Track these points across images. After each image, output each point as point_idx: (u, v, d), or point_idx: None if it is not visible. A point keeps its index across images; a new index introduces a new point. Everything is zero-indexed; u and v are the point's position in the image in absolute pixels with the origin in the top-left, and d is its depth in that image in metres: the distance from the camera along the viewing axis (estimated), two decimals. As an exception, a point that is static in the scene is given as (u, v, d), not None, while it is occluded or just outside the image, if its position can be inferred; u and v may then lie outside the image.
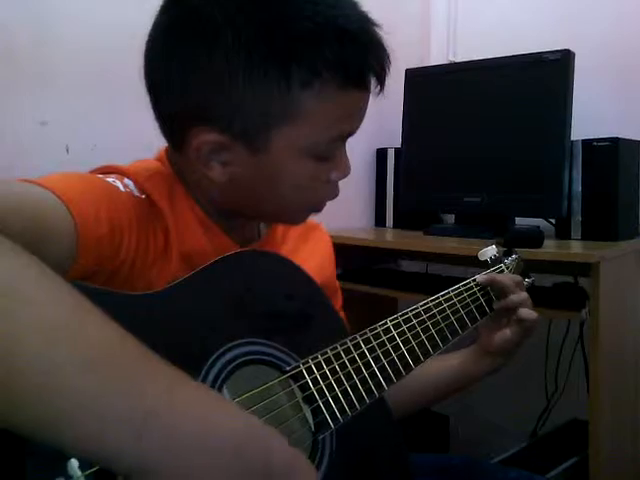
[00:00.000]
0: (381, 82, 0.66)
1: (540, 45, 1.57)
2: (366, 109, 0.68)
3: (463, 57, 1.90)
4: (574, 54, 1.52)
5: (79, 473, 0.42)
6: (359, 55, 0.63)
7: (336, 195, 0.72)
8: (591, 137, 1.50)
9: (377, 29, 0.65)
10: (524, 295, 0.87)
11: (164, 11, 0.65)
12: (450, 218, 1.91)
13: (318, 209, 0.74)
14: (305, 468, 0.47)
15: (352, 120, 0.67)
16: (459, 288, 0.84)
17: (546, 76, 1.54)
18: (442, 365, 0.91)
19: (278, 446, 0.46)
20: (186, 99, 0.64)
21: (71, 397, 0.39)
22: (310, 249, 0.85)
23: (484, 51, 1.71)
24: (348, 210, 1.91)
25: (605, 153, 1.46)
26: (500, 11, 1.92)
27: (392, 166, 1.92)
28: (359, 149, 1.93)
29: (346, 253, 1.51)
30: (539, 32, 1.77)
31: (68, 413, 0.39)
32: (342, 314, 0.86)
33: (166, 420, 0.41)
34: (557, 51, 1.51)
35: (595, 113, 1.62)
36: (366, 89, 0.66)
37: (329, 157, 0.68)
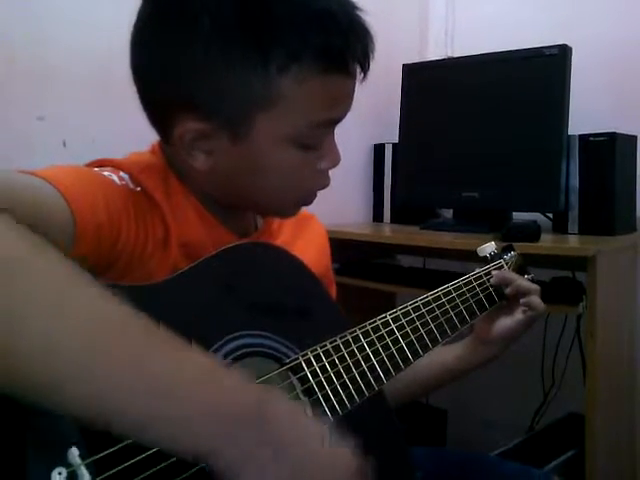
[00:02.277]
0: (364, 68, 0.65)
1: (537, 40, 1.56)
2: (352, 96, 0.67)
3: (461, 52, 1.89)
4: (571, 49, 1.52)
5: (79, 461, 0.42)
6: (341, 39, 0.61)
7: (326, 185, 0.71)
8: (588, 132, 1.50)
9: (360, 13, 0.63)
10: (536, 286, 0.88)
11: (146, 1, 0.64)
12: (448, 213, 1.91)
13: (308, 201, 0.72)
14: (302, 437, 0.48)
15: (336, 106, 0.65)
16: (458, 283, 0.84)
17: (543, 71, 1.54)
18: (436, 356, 0.90)
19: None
20: (168, 87, 0.63)
21: (79, 365, 0.41)
22: (306, 240, 0.85)
23: (482, 46, 1.70)
24: (345, 205, 1.91)
25: (602, 148, 1.47)
26: (497, 6, 1.92)
27: (389, 161, 1.92)
28: (356, 144, 1.93)
29: (344, 248, 1.51)
30: (536, 27, 1.77)
31: (77, 380, 0.41)
32: None
33: (180, 392, 0.43)
34: (554, 46, 1.51)
35: (592, 108, 1.62)
36: (349, 74, 0.64)
37: (315, 145, 0.66)
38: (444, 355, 0.92)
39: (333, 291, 0.90)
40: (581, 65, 1.54)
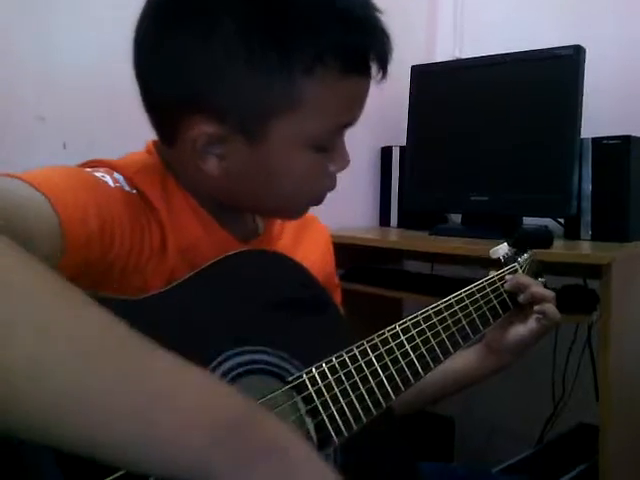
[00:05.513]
0: (384, 68, 0.64)
1: (549, 41, 1.53)
2: (366, 98, 0.66)
3: (470, 53, 1.86)
4: (585, 50, 1.48)
5: None
6: (362, 39, 0.61)
7: (333, 187, 0.70)
8: (600, 135, 1.46)
9: (379, 14, 0.62)
10: (552, 293, 0.85)
11: None
12: (456, 218, 1.87)
13: (318, 202, 0.71)
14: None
15: (353, 109, 0.65)
16: (471, 289, 0.80)
17: (556, 73, 1.50)
18: (446, 364, 0.87)
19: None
20: (181, 89, 0.61)
21: (69, 393, 0.38)
22: (309, 244, 0.83)
23: (491, 47, 1.66)
24: (352, 209, 1.88)
25: (616, 152, 1.43)
26: (508, 6, 1.88)
27: (397, 164, 1.89)
28: (364, 147, 1.89)
29: (350, 252, 1.48)
30: (548, 28, 1.73)
31: (67, 410, 0.37)
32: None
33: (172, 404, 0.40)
34: (568, 47, 1.47)
35: (605, 111, 1.58)
36: (368, 75, 0.63)
37: (328, 148, 0.65)
38: (453, 364, 0.88)
39: (338, 295, 0.87)
40: (593, 67, 1.50)
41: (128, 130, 0.90)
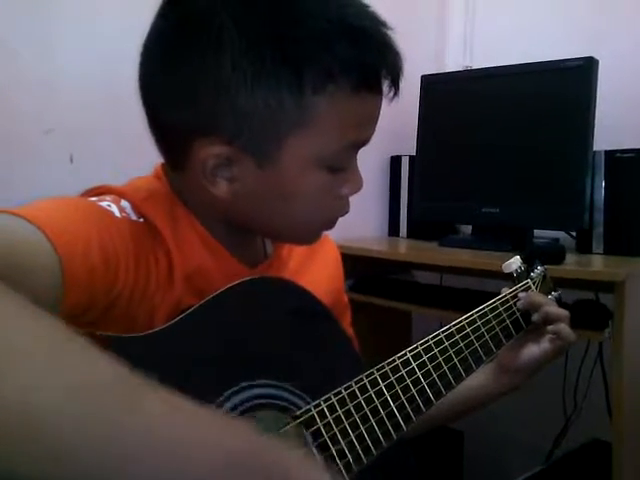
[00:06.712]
0: (396, 85, 0.63)
1: (559, 52, 1.51)
2: (379, 116, 0.65)
3: (480, 64, 1.84)
4: (597, 61, 1.46)
5: None
6: (374, 57, 0.59)
7: (347, 212, 0.69)
8: (612, 147, 1.44)
9: (389, 31, 0.61)
10: (566, 312, 0.83)
11: (162, 15, 0.61)
12: (466, 229, 1.85)
13: (329, 226, 0.70)
14: None
15: (366, 127, 0.63)
16: (484, 309, 0.78)
17: (568, 84, 1.49)
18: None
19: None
20: (189, 109, 0.59)
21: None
22: (319, 264, 0.81)
23: (502, 58, 1.65)
24: (360, 219, 1.86)
25: (630, 164, 1.41)
26: (519, 17, 1.86)
27: (406, 174, 1.88)
28: (373, 156, 1.88)
29: (358, 263, 1.47)
30: (560, 39, 1.71)
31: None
32: (350, 331, 0.82)
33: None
34: (580, 58, 1.46)
35: (620, 123, 1.56)
36: (380, 92, 0.62)
37: (341, 168, 0.64)
38: (466, 385, 0.86)
39: (347, 316, 0.85)
40: (608, 78, 1.48)
41: (136, 143, 0.89)
